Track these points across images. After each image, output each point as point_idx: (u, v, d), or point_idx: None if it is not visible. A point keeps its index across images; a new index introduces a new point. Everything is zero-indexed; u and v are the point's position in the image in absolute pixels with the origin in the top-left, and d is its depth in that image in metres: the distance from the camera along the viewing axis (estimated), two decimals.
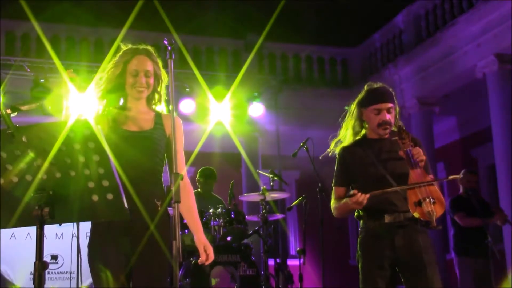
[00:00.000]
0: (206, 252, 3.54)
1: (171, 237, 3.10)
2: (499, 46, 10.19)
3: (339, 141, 4.31)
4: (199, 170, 8.47)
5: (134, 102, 3.65)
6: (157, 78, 3.66)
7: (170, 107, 3.33)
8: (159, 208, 3.46)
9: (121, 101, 3.67)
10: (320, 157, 4.69)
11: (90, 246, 3.51)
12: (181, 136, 3.63)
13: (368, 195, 3.88)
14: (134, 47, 3.69)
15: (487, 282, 7.58)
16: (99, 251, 3.45)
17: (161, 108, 3.73)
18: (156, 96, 3.70)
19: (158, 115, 3.67)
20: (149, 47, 3.71)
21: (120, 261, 3.38)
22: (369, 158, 4.07)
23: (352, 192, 3.94)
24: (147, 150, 3.52)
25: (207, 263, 3.56)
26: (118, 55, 3.68)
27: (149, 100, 3.69)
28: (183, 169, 3.60)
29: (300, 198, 7.72)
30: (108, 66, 3.67)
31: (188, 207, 3.61)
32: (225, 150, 14.00)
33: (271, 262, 7.73)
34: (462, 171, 7.88)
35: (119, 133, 3.50)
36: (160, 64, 3.69)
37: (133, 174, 3.37)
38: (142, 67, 3.60)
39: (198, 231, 3.60)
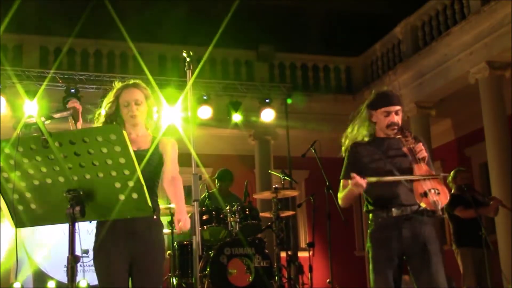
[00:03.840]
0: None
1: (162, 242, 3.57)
2: (489, 54, 10.15)
3: (347, 138, 4.27)
4: (217, 172, 8.46)
5: (133, 128, 3.76)
6: (149, 105, 3.80)
7: (189, 113, 3.35)
8: (154, 217, 3.56)
9: None
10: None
11: (95, 250, 3.59)
12: (175, 153, 3.78)
13: (366, 180, 3.83)
14: (124, 83, 3.84)
15: (484, 269, 7.59)
16: (103, 256, 3.54)
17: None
18: (151, 121, 3.83)
19: (155, 139, 3.78)
20: (138, 81, 3.85)
21: (122, 264, 3.49)
22: (377, 155, 4.06)
23: (352, 175, 3.88)
24: (144, 166, 3.54)
25: (180, 231, 3.65)
26: (111, 92, 3.81)
27: (146, 125, 3.82)
28: (176, 178, 3.73)
29: (309, 196, 7.72)
30: (104, 103, 3.79)
31: (174, 192, 3.70)
32: (239, 152, 13.97)
33: (283, 254, 7.71)
34: (455, 170, 7.89)
35: None
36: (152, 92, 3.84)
37: None
38: (132, 97, 3.72)
39: (179, 206, 3.69)
